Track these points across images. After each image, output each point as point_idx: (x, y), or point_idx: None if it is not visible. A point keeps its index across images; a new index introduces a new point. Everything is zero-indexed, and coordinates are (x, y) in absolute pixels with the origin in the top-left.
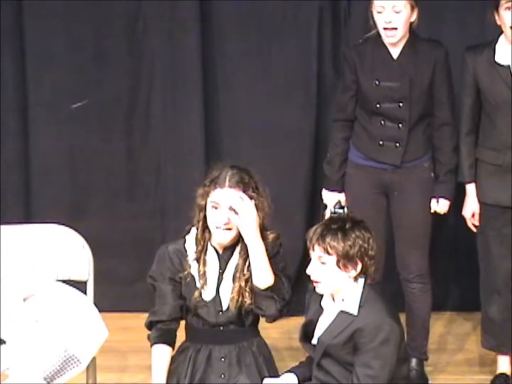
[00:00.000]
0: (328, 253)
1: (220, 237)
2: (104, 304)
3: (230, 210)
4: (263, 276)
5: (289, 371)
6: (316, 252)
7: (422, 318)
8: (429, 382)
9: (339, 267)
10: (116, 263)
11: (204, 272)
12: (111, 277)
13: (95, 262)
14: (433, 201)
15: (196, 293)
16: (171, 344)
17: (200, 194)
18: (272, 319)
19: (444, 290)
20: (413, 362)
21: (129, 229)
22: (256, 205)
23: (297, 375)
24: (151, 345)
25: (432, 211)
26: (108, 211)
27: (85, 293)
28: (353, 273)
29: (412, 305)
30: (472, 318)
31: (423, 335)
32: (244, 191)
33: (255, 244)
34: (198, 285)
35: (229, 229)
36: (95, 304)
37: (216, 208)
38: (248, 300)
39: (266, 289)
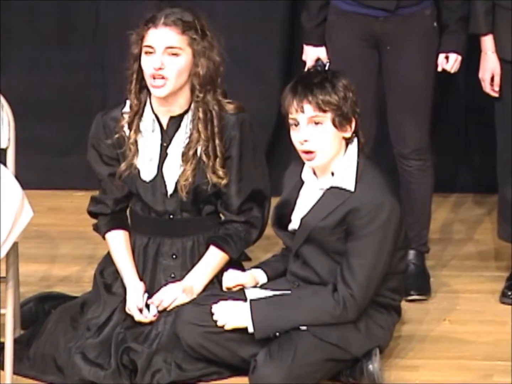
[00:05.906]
0: (322, 110)
1: (155, 91)
2: (29, 178)
3: (165, 53)
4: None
5: (257, 266)
6: (306, 113)
7: (421, 202)
8: (431, 279)
9: (335, 126)
10: (44, 128)
11: (135, 141)
12: (38, 145)
13: (18, 127)
14: (441, 56)
15: (123, 165)
16: (126, 227)
17: (134, 41)
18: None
19: (451, 168)
20: (411, 254)
21: (61, 85)
22: (199, 51)
23: (265, 272)
24: (103, 236)
25: (439, 69)
26: (35, 63)
27: (5, 164)
28: (349, 133)
29: (409, 186)
30: (485, 201)
31: (423, 223)
32: (184, 32)
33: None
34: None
35: (164, 77)
36: (18, 178)
37: (150, 53)
38: (222, 180)
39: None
